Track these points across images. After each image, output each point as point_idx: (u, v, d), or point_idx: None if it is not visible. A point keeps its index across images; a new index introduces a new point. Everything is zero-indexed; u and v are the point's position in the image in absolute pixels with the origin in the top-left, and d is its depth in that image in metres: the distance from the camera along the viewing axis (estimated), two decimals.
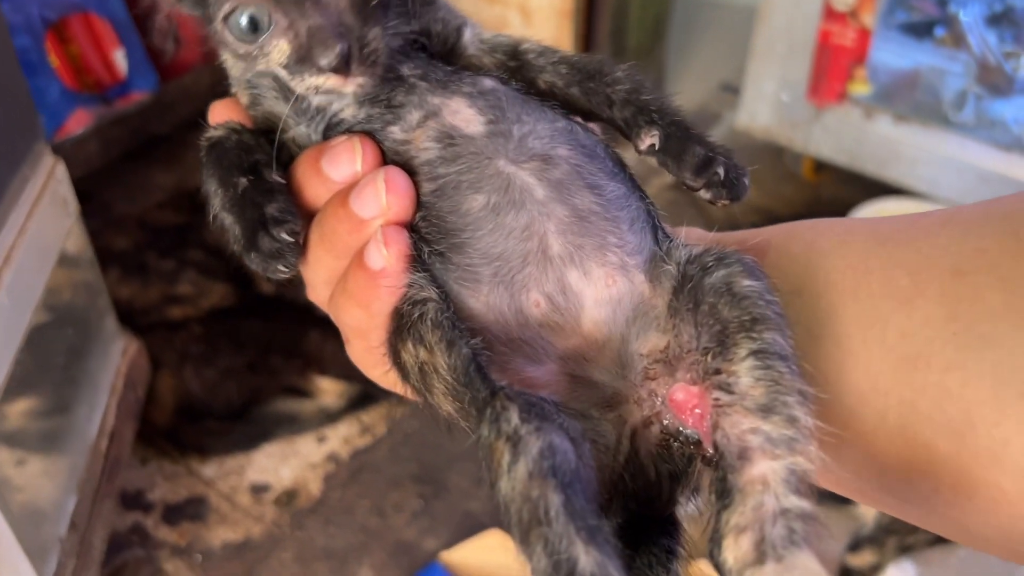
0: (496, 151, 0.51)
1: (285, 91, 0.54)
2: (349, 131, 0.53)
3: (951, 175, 1.99)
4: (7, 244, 1.08)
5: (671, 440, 0.50)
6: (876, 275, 0.49)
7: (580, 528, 0.40)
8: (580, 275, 0.50)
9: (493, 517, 1.59)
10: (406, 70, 0.53)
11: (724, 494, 0.44)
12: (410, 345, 0.49)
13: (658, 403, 0.50)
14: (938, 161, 1.99)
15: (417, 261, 0.50)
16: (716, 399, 0.46)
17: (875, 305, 0.48)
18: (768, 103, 2.18)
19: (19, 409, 1.30)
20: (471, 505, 1.62)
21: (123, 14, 1.88)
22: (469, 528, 1.57)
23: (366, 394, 1.75)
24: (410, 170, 0.51)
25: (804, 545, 0.42)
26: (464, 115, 0.52)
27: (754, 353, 0.46)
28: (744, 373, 0.45)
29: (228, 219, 0.51)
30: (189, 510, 1.59)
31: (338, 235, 0.50)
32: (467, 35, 0.57)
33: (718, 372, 0.46)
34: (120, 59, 1.86)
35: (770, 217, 2.33)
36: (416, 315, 0.48)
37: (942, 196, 2.02)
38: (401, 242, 0.49)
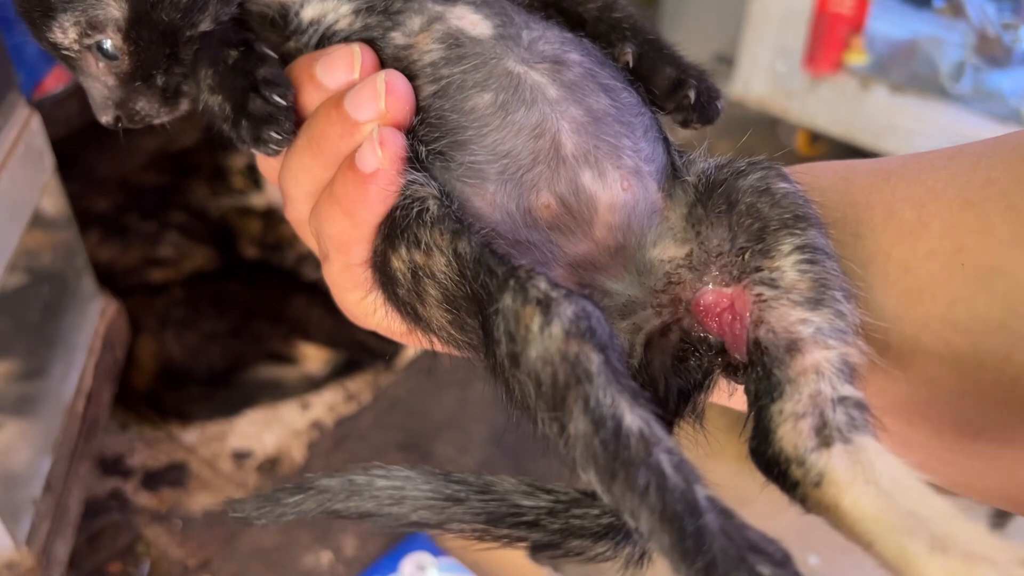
0: (505, 52, 0.49)
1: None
2: (347, 40, 0.51)
3: (948, 146, 1.96)
4: None
5: (690, 349, 0.47)
6: (878, 210, 0.48)
7: (624, 387, 0.38)
8: (594, 176, 0.47)
9: None
10: None
11: (770, 390, 0.43)
12: (403, 250, 0.46)
13: (680, 309, 0.47)
14: (934, 133, 1.97)
15: (414, 162, 0.47)
16: (759, 294, 0.44)
17: (876, 240, 0.47)
18: (763, 72, 2.15)
19: None
20: None
21: None
22: None
23: (351, 361, 1.73)
24: (410, 75, 0.48)
25: (868, 431, 0.41)
26: (470, 19, 0.50)
27: (799, 248, 0.45)
28: (789, 267, 0.44)
29: (216, 98, 0.49)
30: (169, 476, 1.56)
31: (329, 139, 0.48)
32: None
33: (759, 269, 0.45)
34: None
35: None
36: (413, 213, 0.46)
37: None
38: (397, 144, 0.46)
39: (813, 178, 0.52)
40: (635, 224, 0.48)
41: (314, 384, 1.69)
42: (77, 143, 1.75)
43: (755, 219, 0.46)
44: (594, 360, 0.38)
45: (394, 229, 0.47)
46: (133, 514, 1.49)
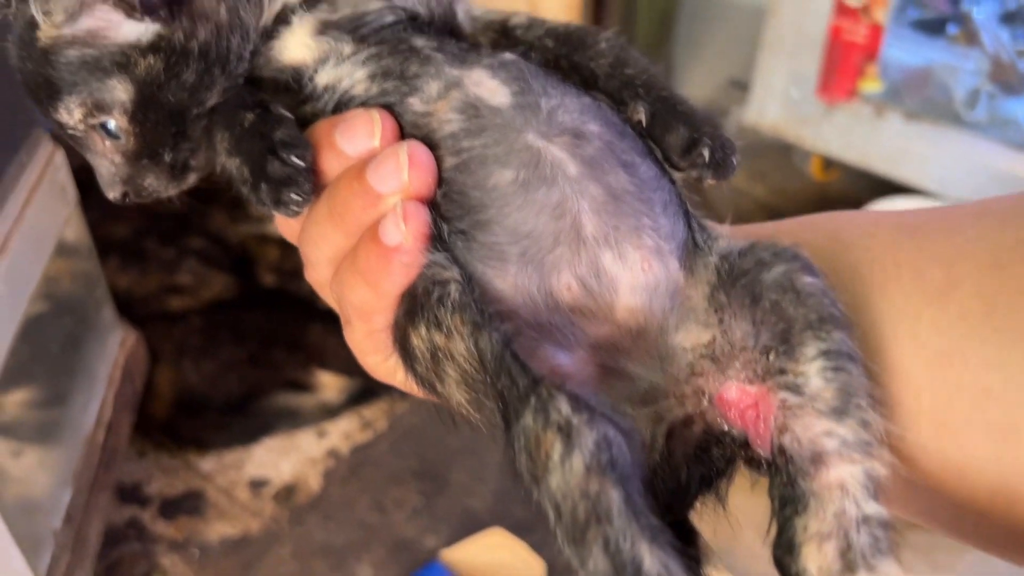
0: (525, 124, 0.48)
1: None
2: (364, 105, 0.50)
3: (962, 174, 1.96)
4: (3, 232, 1.06)
5: (713, 442, 0.47)
6: (906, 268, 0.47)
7: (643, 527, 0.37)
8: (615, 257, 0.47)
9: (494, 515, 1.57)
10: (419, 41, 0.51)
11: (794, 500, 0.43)
12: (423, 329, 0.46)
13: (704, 401, 0.47)
14: (949, 160, 1.97)
15: (436, 240, 0.47)
16: (783, 400, 0.44)
17: (906, 299, 0.46)
18: (777, 99, 2.15)
19: (15, 399, 1.28)
20: (472, 502, 1.60)
21: None
22: (470, 526, 1.55)
23: (367, 389, 1.73)
24: (431, 144, 0.48)
25: (890, 554, 0.41)
26: (488, 86, 0.49)
27: (824, 353, 0.44)
28: (814, 374, 0.44)
29: (234, 161, 0.49)
30: (187, 504, 1.57)
31: (351, 210, 0.47)
32: (460, 13, 0.54)
33: (783, 372, 0.44)
34: None
35: (777, 215, 2.31)
36: (435, 297, 0.45)
37: (953, 195, 2.00)
38: (421, 217, 0.46)
39: (836, 229, 0.52)
40: (657, 305, 0.48)
41: (330, 412, 1.70)
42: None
43: (780, 318, 0.45)
44: (615, 499, 0.38)
45: (415, 307, 0.46)
46: (151, 543, 1.50)
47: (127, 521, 1.52)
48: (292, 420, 1.68)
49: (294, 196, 0.47)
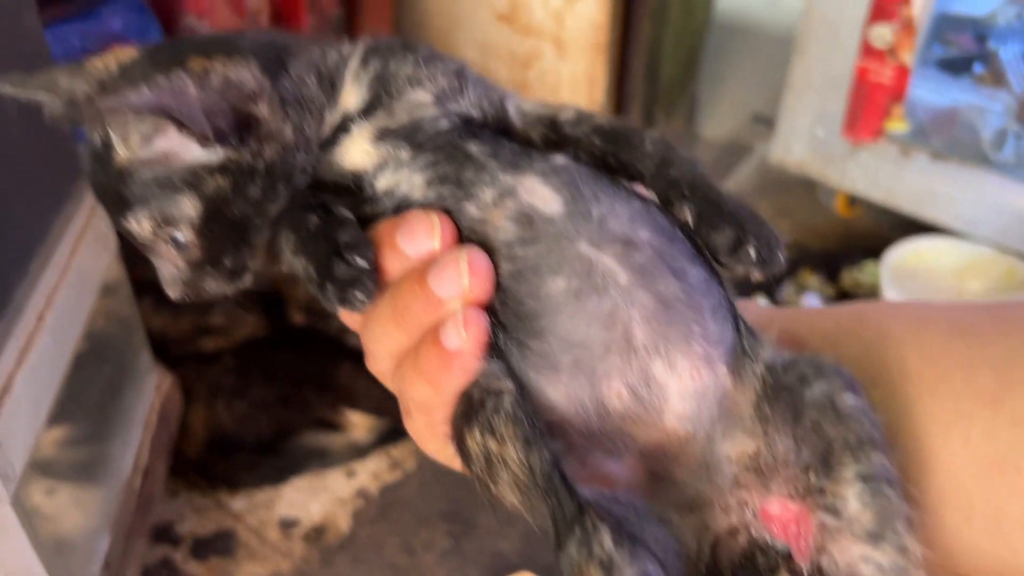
0: (577, 233, 0.49)
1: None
2: (422, 207, 0.52)
3: (990, 215, 1.96)
4: (50, 285, 1.09)
5: (757, 552, 0.48)
6: (958, 370, 0.48)
7: None
8: (665, 366, 0.48)
9: (524, 557, 1.57)
10: (473, 148, 0.52)
11: None
12: (477, 433, 0.47)
13: (748, 514, 0.48)
14: (976, 200, 1.97)
15: (493, 346, 0.49)
16: (822, 521, 0.45)
17: (957, 403, 0.47)
18: (802, 138, 2.16)
19: (51, 438, 1.30)
20: (501, 545, 1.60)
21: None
22: (499, 568, 1.55)
23: (395, 428, 1.74)
24: (487, 249, 0.50)
25: None
26: (541, 194, 0.50)
27: (862, 477, 0.45)
28: (852, 497, 0.45)
29: (300, 261, 0.51)
30: (218, 544, 1.58)
31: (412, 312, 0.49)
32: (511, 110, 0.56)
33: (822, 492, 0.45)
34: None
35: (801, 250, 2.31)
36: (490, 406, 0.47)
37: (980, 236, 2.00)
38: (481, 325, 0.48)
39: (885, 323, 0.53)
40: (705, 413, 0.49)
41: (359, 451, 1.71)
42: None
43: (820, 438, 0.46)
44: None
45: (471, 411, 0.48)
46: None
47: (160, 561, 1.53)
48: (322, 459, 1.69)
49: (359, 295, 0.49)
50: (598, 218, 0.50)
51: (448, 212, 0.51)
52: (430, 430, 0.52)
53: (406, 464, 1.73)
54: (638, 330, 0.48)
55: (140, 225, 0.51)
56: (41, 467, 1.25)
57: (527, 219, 0.50)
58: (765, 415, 0.48)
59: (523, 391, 0.48)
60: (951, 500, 0.46)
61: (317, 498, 1.66)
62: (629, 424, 0.48)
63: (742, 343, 0.50)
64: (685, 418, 0.48)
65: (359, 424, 1.72)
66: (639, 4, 2.09)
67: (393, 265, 0.50)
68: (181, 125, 0.48)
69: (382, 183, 0.53)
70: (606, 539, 0.41)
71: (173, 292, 0.55)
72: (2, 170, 1.01)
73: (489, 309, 0.49)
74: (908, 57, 1.92)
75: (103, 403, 1.33)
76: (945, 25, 2.16)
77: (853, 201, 2.33)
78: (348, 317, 0.57)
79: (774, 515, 0.48)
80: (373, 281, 0.49)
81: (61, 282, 1.10)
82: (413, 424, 0.54)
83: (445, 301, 0.48)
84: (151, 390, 1.41)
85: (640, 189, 0.54)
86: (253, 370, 1.69)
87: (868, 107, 2.01)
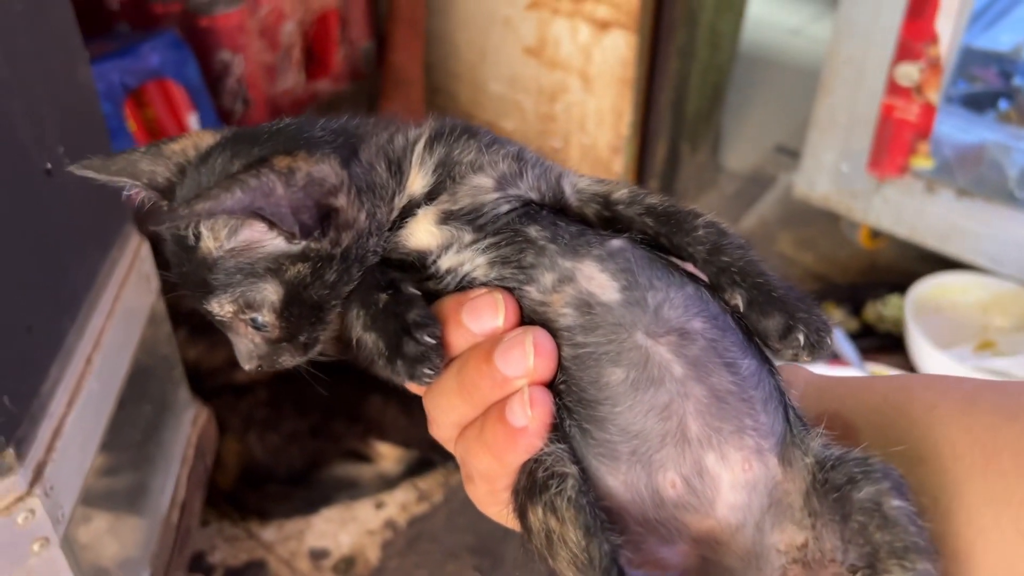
0: (634, 322, 0.51)
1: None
2: (485, 284, 0.54)
3: (1015, 252, 1.97)
4: (97, 328, 1.12)
5: None
6: (1006, 454, 0.49)
7: None
8: (718, 458, 0.50)
9: None
10: (533, 231, 0.54)
11: None
12: (540, 511, 0.49)
13: None
14: (1002, 237, 1.97)
15: (558, 428, 0.51)
16: None
17: (1007, 486, 0.48)
18: (827, 172, 2.18)
19: (93, 488, 1.33)
20: None
21: (197, 79, 1.93)
22: None
23: (424, 460, 1.76)
24: (550, 331, 0.51)
25: None
26: (598, 281, 0.52)
27: None
28: None
29: (371, 337, 0.53)
30: (249, 574, 1.60)
31: (479, 388, 0.51)
32: (567, 189, 0.58)
33: None
34: (193, 122, 1.91)
35: (825, 282, 2.32)
36: (554, 489, 0.49)
37: (1005, 273, 2.00)
38: (546, 404, 0.50)
39: (933, 402, 0.54)
40: (756, 503, 0.50)
41: (388, 483, 1.74)
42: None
43: (866, 541, 0.48)
44: None
45: (534, 488, 0.50)
46: None
47: None
48: (351, 491, 1.72)
49: (427, 371, 0.51)
50: (654, 307, 0.51)
51: (511, 291, 0.53)
52: (491, 497, 0.54)
53: (434, 496, 1.75)
54: (692, 423, 0.50)
55: (223, 309, 0.54)
56: (85, 514, 1.28)
57: (586, 306, 0.51)
58: (814, 509, 0.50)
59: (585, 477, 0.50)
60: None
61: (346, 529, 1.68)
62: (682, 512, 0.50)
63: (792, 432, 0.52)
64: (736, 508, 0.50)
65: (388, 455, 1.75)
66: (666, 40, 2.12)
67: (458, 341, 0.52)
68: (271, 224, 0.51)
69: (445, 262, 0.55)
70: None
71: (249, 365, 0.58)
72: (58, 221, 1.04)
73: (553, 390, 0.51)
74: (934, 95, 1.93)
75: (143, 436, 1.36)
76: (970, 60, 2.17)
77: (876, 233, 2.34)
78: (413, 386, 0.59)
79: None
80: (440, 357, 0.52)
81: (108, 324, 1.13)
82: (475, 490, 0.56)
83: (511, 379, 0.50)
84: (188, 424, 1.44)
85: (692, 268, 0.55)
86: (285, 403, 1.71)
87: (893, 143, 2.02)
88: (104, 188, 1.20)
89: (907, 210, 2.09)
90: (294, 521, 1.68)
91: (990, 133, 2.07)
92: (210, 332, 1.84)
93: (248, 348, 0.57)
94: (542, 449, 0.50)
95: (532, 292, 0.52)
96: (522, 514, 0.51)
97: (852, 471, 0.49)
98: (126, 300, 1.20)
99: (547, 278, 0.52)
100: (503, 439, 0.50)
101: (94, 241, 1.15)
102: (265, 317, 0.54)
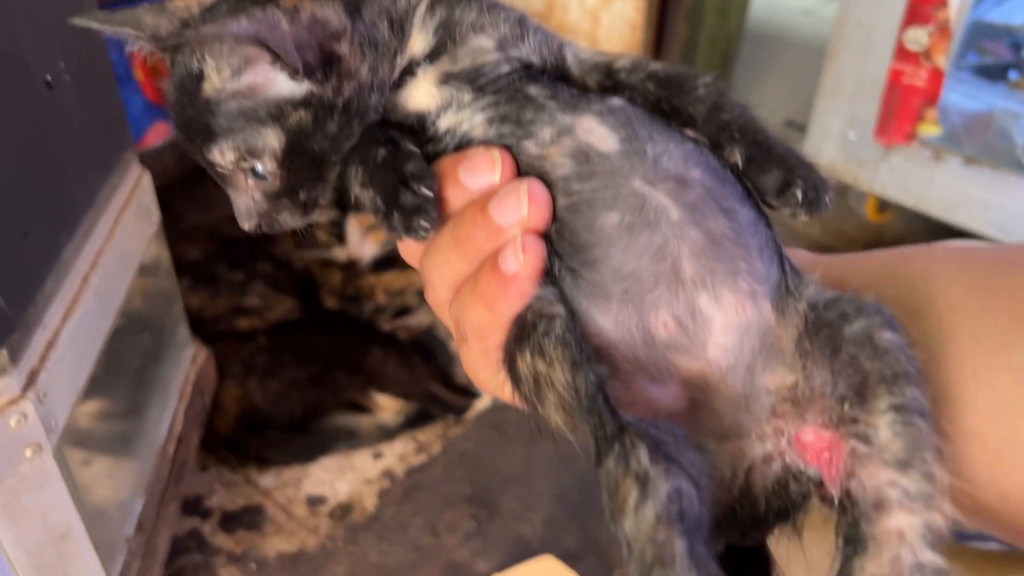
0: (632, 170, 0.51)
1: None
2: (483, 143, 0.54)
3: (1022, 221, 1.96)
4: (95, 249, 1.12)
5: (791, 478, 0.50)
6: (1000, 300, 0.49)
7: (701, 573, 0.41)
8: (711, 299, 0.50)
9: (545, 543, 1.59)
10: (533, 90, 0.54)
11: (856, 540, 0.46)
12: (528, 355, 0.50)
13: (782, 442, 0.50)
14: (1009, 206, 1.96)
15: (548, 274, 0.51)
16: (853, 448, 0.47)
17: (1001, 330, 0.48)
18: (834, 140, 2.17)
19: (88, 411, 1.33)
20: (523, 529, 1.62)
21: None
22: (520, 553, 1.57)
23: (423, 412, 1.77)
24: (546, 183, 0.51)
25: None
26: (598, 133, 0.52)
27: (895, 408, 0.46)
28: (884, 426, 0.46)
29: (368, 193, 0.53)
30: (246, 519, 1.61)
31: (473, 240, 0.51)
32: (569, 58, 0.57)
33: (855, 421, 0.47)
34: None
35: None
36: (541, 329, 0.49)
37: (1012, 241, 1.99)
38: (538, 250, 0.50)
39: (931, 264, 0.54)
40: (747, 346, 0.50)
41: (387, 434, 1.74)
42: (171, 193, 1.85)
43: (856, 371, 0.48)
44: (679, 548, 0.41)
45: (523, 333, 0.50)
46: (211, 555, 1.54)
47: (189, 532, 1.57)
48: (350, 440, 1.72)
49: (423, 223, 0.51)
50: (653, 157, 0.51)
51: (508, 149, 0.53)
52: (484, 356, 0.54)
53: (432, 448, 1.75)
54: (687, 264, 0.50)
55: (224, 156, 0.54)
56: (79, 439, 1.29)
57: (584, 156, 0.51)
58: (806, 350, 0.50)
59: (573, 317, 0.50)
60: (994, 418, 0.48)
61: (344, 477, 1.69)
62: (673, 353, 0.50)
63: (787, 282, 0.52)
64: (728, 350, 0.50)
65: (387, 407, 1.75)
66: (674, 5, 2.11)
67: (455, 198, 0.53)
68: (275, 57, 0.51)
69: (444, 123, 0.55)
70: (643, 456, 0.43)
71: (248, 223, 0.57)
72: (57, 134, 1.05)
73: (546, 239, 0.51)
74: (942, 60, 1.92)
75: (141, 373, 1.37)
76: (980, 33, 2.16)
77: (884, 206, 2.33)
78: (407, 252, 0.60)
79: (808, 443, 0.49)
80: (437, 210, 0.52)
81: (106, 247, 1.14)
82: (468, 352, 0.56)
83: (505, 228, 0.50)
84: (187, 362, 1.44)
85: (692, 134, 0.55)
86: (286, 351, 1.72)
87: (901, 110, 2.01)
88: (106, 112, 1.21)
89: (914, 178, 2.08)
90: (292, 468, 1.69)
91: (999, 100, 2.05)
92: (213, 281, 1.85)
93: (248, 205, 0.57)
94: (533, 297, 0.50)
95: (530, 147, 0.53)
96: (511, 364, 0.52)
97: (844, 308, 0.49)
98: (126, 227, 1.21)
99: (545, 132, 0.52)
100: (496, 288, 0.51)
101: (94, 162, 1.16)
102: (267, 165, 0.54)
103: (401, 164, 0.52)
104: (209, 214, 1.96)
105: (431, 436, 1.77)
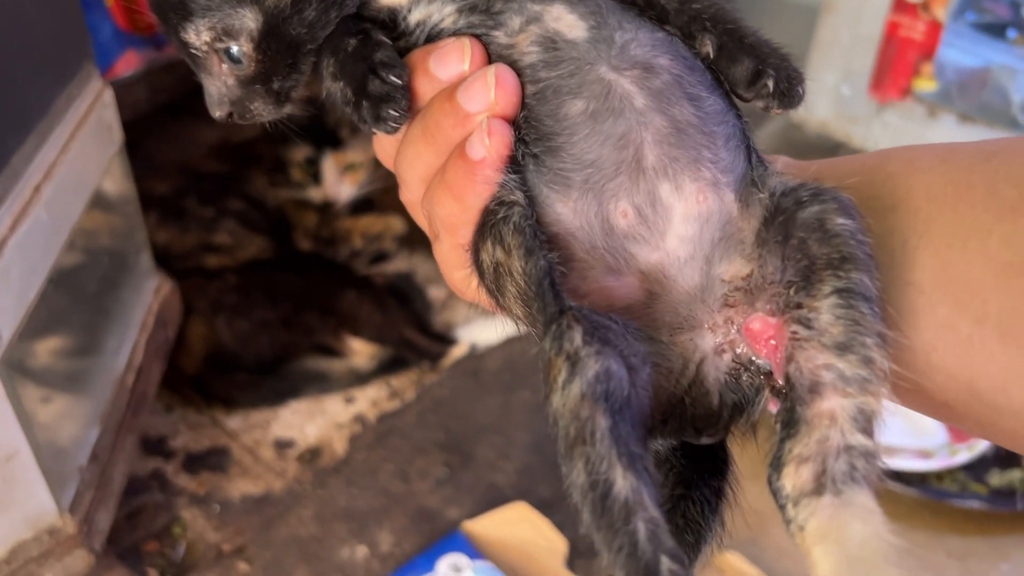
0: (598, 57, 0.51)
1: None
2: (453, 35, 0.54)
3: None
4: (49, 160, 1.06)
5: (742, 370, 0.50)
6: (979, 188, 0.48)
7: (622, 454, 0.42)
8: (672, 188, 0.50)
9: (518, 492, 1.55)
10: None
11: (790, 424, 0.46)
12: (489, 244, 0.50)
13: (733, 331, 0.50)
14: None
15: (512, 161, 0.51)
16: (794, 332, 0.46)
17: (977, 216, 0.47)
18: (827, 95, 2.12)
19: (47, 347, 1.28)
20: (496, 478, 1.58)
21: None
22: (493, 500, 1.53)
23: (397, 358, 1.72)
24: (515, 71, 0.52)
25: (864, 483, 0.43)
26: (566, 20, 0.52)
27: (838, 291, 0.46)
28: (825, 310, 0.46)
29: (338, 85, 0.53)
30: (211, 460, 1.56)
31: (442, 128, 0.51)
32: None
33: (799, 306, 0.47)
34: None
35: None
36: (500, 215, 0.49)
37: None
38: (504, 134, 0.50)
39: (913, 158, 0.52)
40: (707, 236, 0.50)
41: (359, 378, 1.69)
42: (141, 128, 1.78)
43: (804, 255, 0.47)
44: (600, 426, 0.42)
45: (486, 223, 0.50)
46: (173, 495, 1.49)
47: (150, 472, 1.52)
48: (321, 384, 1.67)
49: (392, 112, 0.51)
50: (620, 44, 0.51)
51: (478, 39, 0.53)
52: (454, 252, 0.54)
53: (406, 394, 1.70)
54: (649, 152, 0.49)
55: (199, 36, 0.53)
56: (37, 376, 1.24)
57: (551, 43, 0.51)
58: (763, 239, 0.49)
59: (533, 204, 0.50)
60: (967, 306, 0.46)
61: (314, 421, 1.64)
62: (632, 243, 0.50)
63: (753, 174, 0.51)
64: (686, 240, 0.50)
65: (360, 351, 1.70)
66: None
67: (426, 89, 0.53)
68: None
69: (415, 16, 0.54)
70: (577, 337, 0.43)
71: (219, 111, 0.57)
72: (12, 36, 0.99)
73: (513, 127, 0.51)
74: (941, 12, 1.88)
75: (101, 303, 1.31)
76: None
77: None
78: (382, 152, 0.60)
79: (756, 331, 0.49)
80: (406, 99, 0.52)
81: (61, 159, 1.08)
82: (440, 248, 0.55)
83: (473, 115, 0.50)
84: (149, 293, 1.39)
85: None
86: (256, 290, 1.66)
87: (897, 64, 1.97)
88: (64, 17, 1.14)
89: (908, 136, 2.03)
90: (260, 411, 1.64)
91: (996, 55, 2.01)
92: (181, 216, 1.79)
93: (220, 91, 0.56)
94: (499, 185, 0.50)
95: (499, 37, 0.52)
96: (476, 256, 0.52)
97: (801, 195, 0.49)
98: (83, 141, 1.15)
99: (514, 21, 0.52)
100: (463, 175, 0.50)
101: (50, 69, 1.10)
102: (242, 47, 0.53)
103: (371, 53, 0.52)
104: (181, 150, 1.89)
105: (405, 382, 1.72)
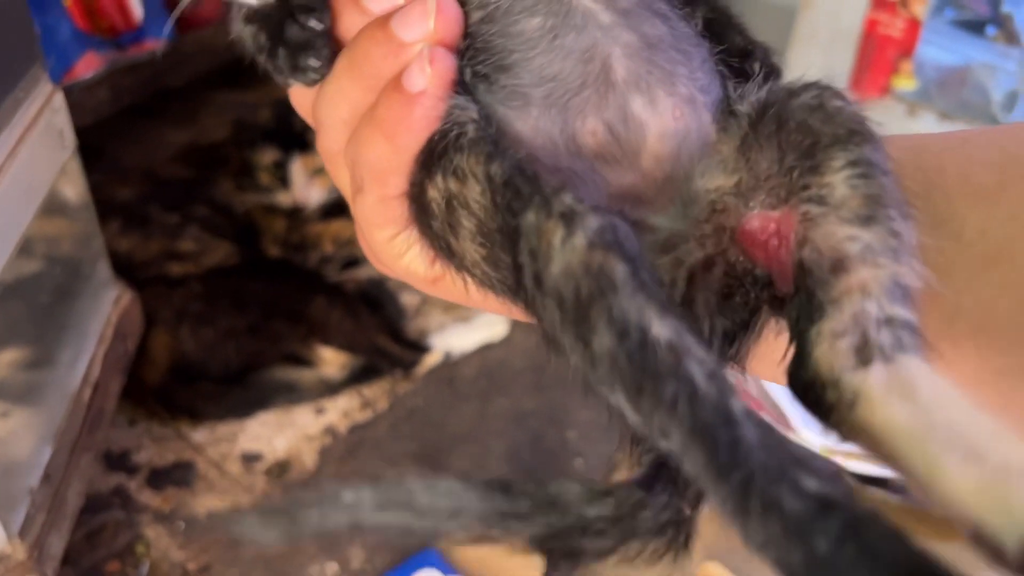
0: None
1: None
2: None
3: None
4: None
5: (735, 284, 0.44)
6: (951, 173, 0.45)
7: (652, 296, 0.34)
8: (645, 103, 0.44)
9: None
10: None
11: (811, 313, 0.38)
12: (439, 178, 0.43)
13: (724, 238, 0.44)
14: None
15: (458, 85, 0.45)
16: (805, 212, 0.40)
17: (950, 204, 0.44)
18: None
19: (4, 360, 1.22)
20: None
21: None
22: None
23: (369, 367, 1.67)
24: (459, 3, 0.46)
25: (918, 353, 0.36)
26: None
27: (851, 163, 0.40)
28: (840, 183, 0.40)
29: (251, 28, 0.47)
30: (176, 475, 1.51)
31: (371, 60, 0.45)
32: None
33: (807, 187, 0.41)
34: (135, 4, 1.79)
35: None
36: (452, 138, 0.43)
37: None
38: (447, 62, 0.44)
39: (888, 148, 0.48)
40: (685, 155, 0.45)
41: (330, 388, 1.64)
42: (104, 132, 1.72)
43: (806, 135, 0.42)
44: (619, 270, 0.34)
45: (432, 156, 0.44)
46: (135, 512, 1.44)
47: (112, 489, 1.46)
48: (290, 395, 1.62)
49: (312, 61, 0.46)
50: None
51: None
52: (381, 206, 0.47)
53: (378, 404, 1.65)
54: (618, 66, 0.44)
55: None
56: None
57: None
58: (749, 143, 0.44)
59: (488, 121, 0.44)
60: (942, 299, 0.42)
61: (283, 433, 1.59)
62: (603, 164, 0.45)
63: (729, 102, 0.47)
64: (664, 159, 0.45)
65: (331, 360, 1.65)
66: None
67: (355, 25, 0.46)
68: None
69: None
70: (567, 197, 0.37)
71: None
72: None
73: (457, 56, 0.45)
74: (920, 9, 1.85)
75: (57, 315, 1.26)
76: None
77: None
78: (300, 104, 0.53)
79: (752, 231, 0.43)
80: (327, 46, 0.46)
81: (8, 165, 1.03)
82: (363, 202, 0.48)
83: (409, 45, 0.44)
84: (108, 304, 1.33)
85: None
86: (222, 298, 1.61)
87: (876, 62, 1.94)
88: (12, 20, 1.09)
89: (887, 134, 2.01)
90: (227, 423, 1.58)
91: (975, 52, 1.99)
92: (145, 224, 1.73)
93: None
94: (440, 121, 0.44)
95: None
96: (419, 200, 0.45)
97: (790, 86, 0.44)
98: (32, 147, 1.10)
99: None
100: (398, 110, 0.44)
101: None
102: None
103: None
104: (145, 154, 1.84)
105: (377, 392, 1.67)
